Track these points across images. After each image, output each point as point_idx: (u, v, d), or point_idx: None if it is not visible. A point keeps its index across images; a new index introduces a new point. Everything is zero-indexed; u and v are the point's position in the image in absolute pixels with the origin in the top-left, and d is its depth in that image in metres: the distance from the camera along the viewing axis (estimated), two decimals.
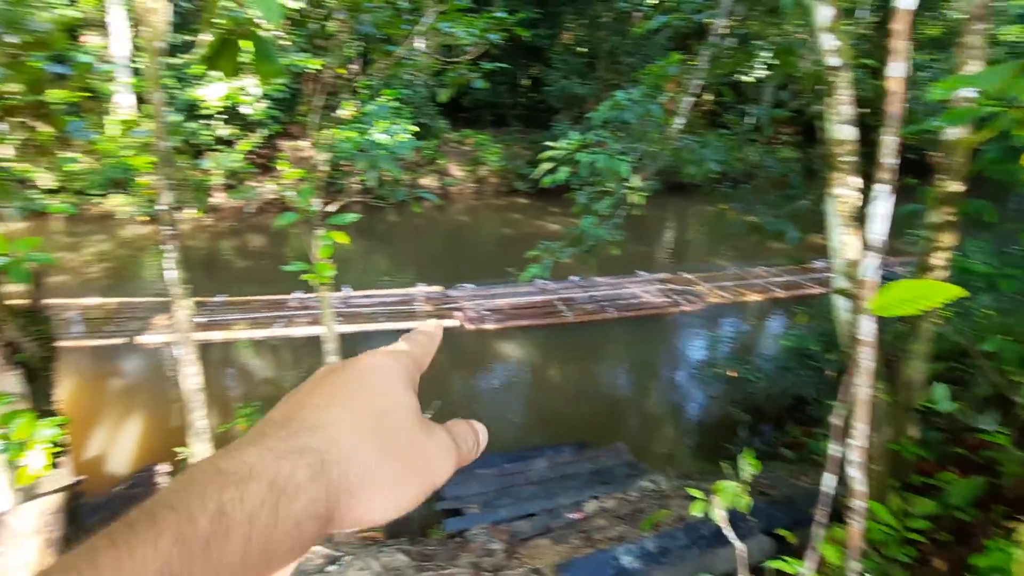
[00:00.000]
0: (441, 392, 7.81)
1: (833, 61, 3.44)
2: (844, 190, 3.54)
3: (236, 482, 0.30)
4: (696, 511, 2.54)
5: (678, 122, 6.13)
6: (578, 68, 20.38)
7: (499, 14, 5.59)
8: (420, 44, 5.57)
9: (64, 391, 6.46)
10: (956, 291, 1.23)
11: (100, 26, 16.40)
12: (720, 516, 2.51)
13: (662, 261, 14.61)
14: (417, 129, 16.83)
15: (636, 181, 5.92)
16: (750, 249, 7.50)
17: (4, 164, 3.87)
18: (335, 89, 5.72)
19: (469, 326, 9.76)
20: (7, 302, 3.41)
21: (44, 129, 4.21)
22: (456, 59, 5.91)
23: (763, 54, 7.48)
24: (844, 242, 3.54)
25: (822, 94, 3.85)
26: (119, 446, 6.90)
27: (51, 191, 14.59)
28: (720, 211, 6.33)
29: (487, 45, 5.60)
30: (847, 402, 2.49)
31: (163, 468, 5.34)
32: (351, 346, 8.85)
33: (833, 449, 1.93)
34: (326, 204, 4.62)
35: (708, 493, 2.79)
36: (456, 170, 19.93)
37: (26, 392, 3.41)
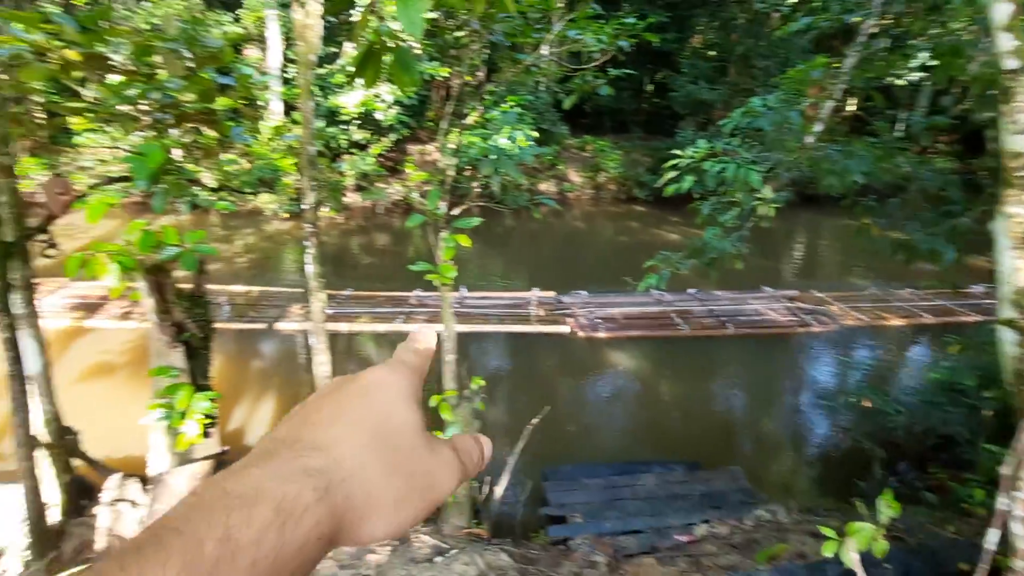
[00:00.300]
0: (549, 398, 7.83)
1: (1011, 63, 3.06)
2: (1018, 208, 3.13)
3: (242, 505, 0.31)
4: (828, 551, 2.34)
5: (817, 129, 5.72)
6: (707, 73, 19.65)
7: (628, 20, 5.52)
8: (545, 51, 5.62)
9: (213, 369, 7.21)
10: None
11: (259, 40, 18.16)
12: (853, 559, 2.30)
13: (790, 277, 13.71)
14: (538, 135, 17.10)
15: (767, 192, 5.60)
16: (893, 269, 6.82)
17: (179, 164, 4.37)
18: (462, 95, 5.92)
19: (581, 333, 9.70)
20: (176, 287, 3.85)
21: (210, 134, 4.71)
22: (583, 66, 5.90)
23: (921, 55, 6.81)
24: (1016, 267, 3.13)
25: (995, 100, 3.43)
26: (255, 422, 7.56)
27: (213, 189, 16.34)
28: (862, 226, 5.81)
29: (615, 51, 5.54)
30: (1018, 450, 2.18)
31: None
32: (463, 346, 9.11)
33: (1001, 502, 1.70)
34: (451, 207, 4.79)
35: (838, 532, 2.57)
36: (575, 176, 19.93)
37: (187, 368, 3.83)
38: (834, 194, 6.06)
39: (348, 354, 9.45)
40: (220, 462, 4.20)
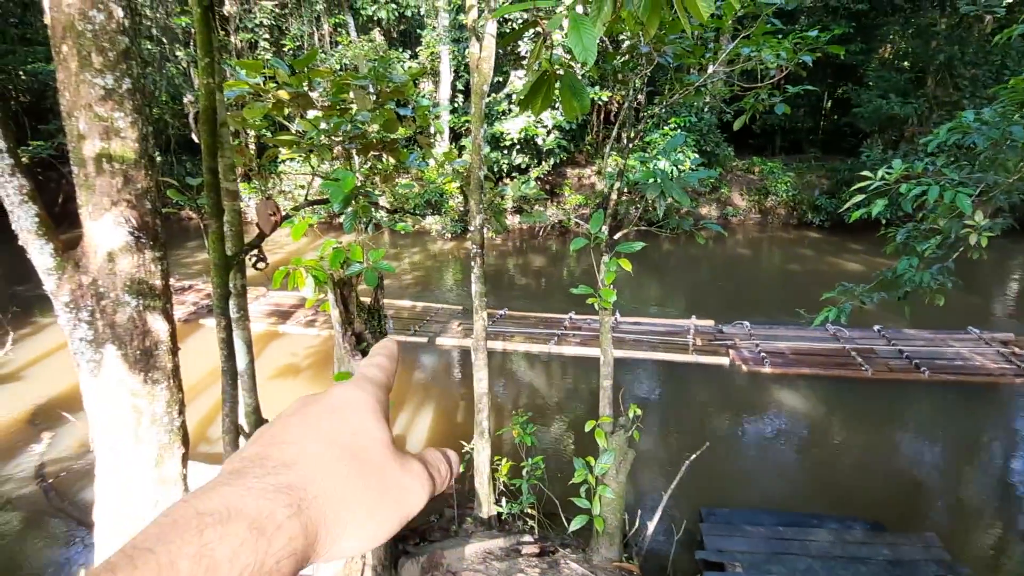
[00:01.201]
0: (706, 433, 7.39)
1: None
2: None
3: (215, 523, 0.31)
4: None
5: None
6: (899, 85, 17.67)
7: (811, 33, 5.12)
8: (715, 69, 5.39)
9: None
10: None
11: (432, 74, 19.69)
12: None
13: (1005, 319, 11.71)
14: (698, 156, 16.51)
15: (979, 218, 4.86)
16: None
17: (366, 189, 4.81)
18: (623, 119, 5.87)
19: (743, 367, 9.07)
20: (359, 300, 4.21)
21: (389, 160, 5.13)
22: (756, 84, 5.58)
23: None
24: None
25: None
26: (414, 431, 8.02)
27: (391, 211, 17.88)
28: None
29: (794, 67, 5.17)
30: None
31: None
32: (616, 371, 8.94)
33: None
34: (611, 231, 4.74)
35: None
36: (739, 199, 18.89)
37: None
38: None
39: (501, 372, 9.71)
40: None
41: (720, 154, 18.09)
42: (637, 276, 14.59)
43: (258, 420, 5.15)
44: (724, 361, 9.22)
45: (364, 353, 4.06)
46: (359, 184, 4.79)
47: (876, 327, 10.00)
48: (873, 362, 8.92)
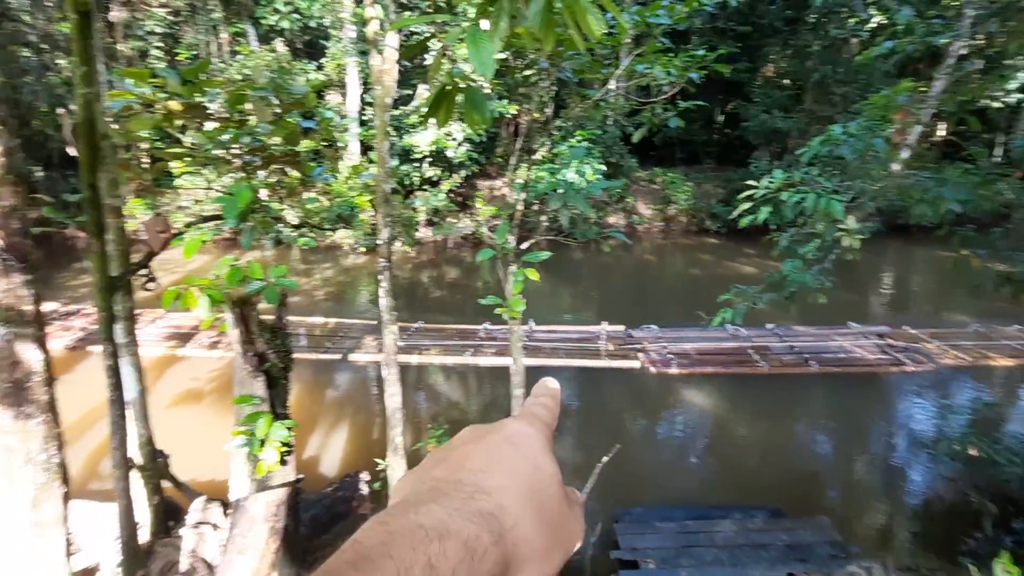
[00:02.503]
0: (619, 436, 7.61)
1: None
2: None
3: (437, 538, 0.32)
4: None
5: (904, 156, 5.41)
6: (781, 101, 19.16)
7: (698, 52, 5.46)
8: (613, 85, 5.63)
9: (290, 398, 7.47)
10: None
11: (339, 86, 19.28)
12: None
13: (880, 313, 12.89)
14: (604, 168, 17.11)
15: (851, 222, 5.33)
16: (1000, 304, 6.29)
17: (265, 203, 4.63)
18: (531, 132, 6.00)
19: (652, 369, 9.43)
20: (259, 319, 4.03)
21: (293, 174, 4.98)
22: (651, 99, 5.87)
23: (1020, 75, 6.37)
24: None
25: None
26: (329, 451, 7.75)
27: (296, 226, 17.26)
28: (960, 258, 5.40)
29: (685, 84, 5.49)
30: None
31: (365, 477, 5.87)
32: (533, 379, 9.03)
33: None
34: (520, 241, 4.82)
35: None
36: (644, 209, 19.73)
37: (267, 397, 3.98)
38: (927, 224, 5.69)
39: (417, 385, 9.58)
40: (296, 489, 4.30)
41: (624, 165, 18.84)
42: (551, 285, 14.88)
43: (152, 452, 4.80)
44: (635, 364, 9.56)
45: (267, 374, 3.90)
46: (261, 198, 4.60)
47: (770, 325, 10.72)
48: (768, 358, 9.55)
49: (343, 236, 17.90)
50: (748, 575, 4.67)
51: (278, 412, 4.01)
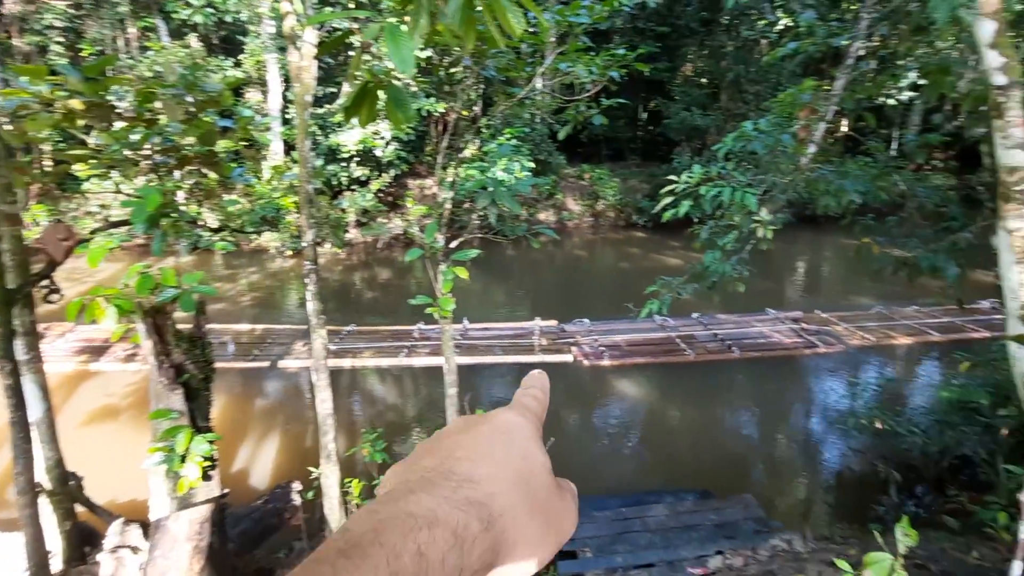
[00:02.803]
0: (555, 429, 7.73)
1: (999, 79, 3.08)
2: (1018, 222, 3.11)
3: (426, 525, 0.32)
4: None
5: (811, 151, 5.76)
6: (699, 99, 19.94)
7: (619, 51, 5.60)
8: (539, 83, 5.69)
9: (214, 409, 7.14)
10: None
11: (260, 83, 18.55)
12: None
13: (794, 299, 13.65)
14: (533, 165, 17.27)
15: (764, 214, 5.61)
16: (898, 287, 6.81)
17: (178, 206, 4.41)
18: (458, 130, 5.99)
19: (585, 362, 9.63)
20: (175, 328, 3.84)
21: (211, 175, 4.76)
22: (575, 97, 5.97)
23: (910, 75, 6.88)
24: (1020, 281, 3.10)
25: (987, 116, 3.45)
26: (258, 462, 7.47)
27: (215, 229, 16.52)
28: (862, 245, 5.80)
29: (606, 82, 5.62)
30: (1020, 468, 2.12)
31: (297, 486, 5.69)
32: (468, 378, 9.04)
33: (1022, 531, 1.64)
34: (449, 240, 4.80)
35: (855, 562, 2.50)
36: (573, 204, 20.06)
37: (186, 410, 3.79)
38: (832, 214, 6.07)
39: (352, 390, 9.38)
40: (221, 505, 4.13)
41: (553, 162, 19.09)
42: (484, 283, 14.91)
43: (62, 475, 4.48)
44: (568, 358, 9.72)
45: (186, 385, 3.71)
46: (176, 201, 4.38)
47: (695, 315, 11.15)
48: (694, 346, 9.94)
49: (269, 239, 17.27)
50: (680, 556, 4.86)
51: (199, 425, 3.83)
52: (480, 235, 5.70)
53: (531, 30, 4.92)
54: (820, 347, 9.97)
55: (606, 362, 9.57)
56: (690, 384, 9.34)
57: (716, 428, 8.32)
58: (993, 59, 3.13)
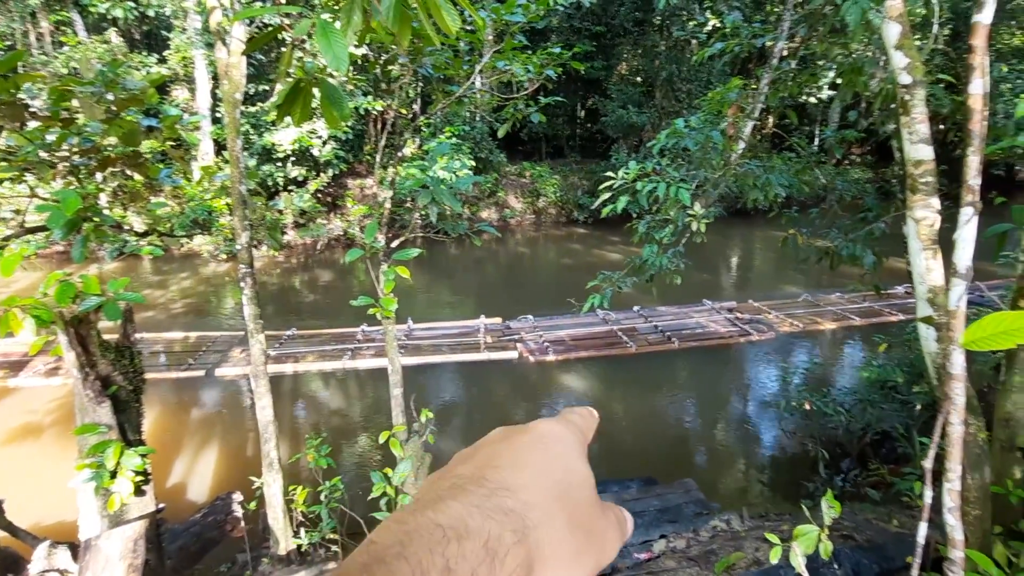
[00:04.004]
0: (501, 424, 7.77)
1: (905, 79, 3.30)
2: (925, 212, 3.35)
3: (455, 538, 0.30)
4: (774, 558, 2.39)
5: (740, 147, 6.00)
6: (635, 98, 20.43)
7: (555, 50, 5.69)
8: (479, 82, 5.72)
9: (147, 421, 6.83)
10: None
11: (188, 81, 17.78)
12: (800, 563, 2.36)
13: (728, 289, 14.19)
14: (474, 163, 17.28)
15: (698, 208, 5.81)
16: (823, 275, 7.20)
17: (101, 210, 4.19)
18: (398, 128, 5.93)
19: (530, 358, 9.72)
20: (101, 338, 3.65)
21: (136, 177, 4.55)
22: (513, 95, 6.02)
23: (828, 74, 7.26)
24: (927, 267, 3.33)
25: (895, 113, 3.69)
26: (197, 475, 7.19)
27: (142, 234, 15.72)
28: (788, 236, 6.09)
29: (543, 80, 5.69)
30: (939, 442, 2.31)
31: (238, 497, 5.52)
32: (415, 378, 8.98)
33: (926, 495, 1.78)
34: (390, 240, 4.76)
35: (786, 536, 2.63)
36: (515, 202, 20.19)
37: (114, 423, 3.62)
38: (761, 207, 6.35)
39: (294, 395, 9.15)
40: (157, 520, 3.96)
41: (494, 160, 19.15)
42: (428, 282, 14.82)
43: None
44: (513, 355, 9.80)
45: (113, 398, 3.54)
46: (100, 205, 4.16)
47: (636, 308, 11.44)
48: (636, 339, 10.20)
49: (201, 243, 16.61)
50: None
51: (129, 439, 3.67)
52: (422, 234, 5.67)
53: (468, 28, 4.94)
54: (753, 335, 10.41)
55: (551, 357, 9.69)
56: (633, 375, 9.58)
57: (658, 417, 8.57)
58: (899, 60, 3.35)
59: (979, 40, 1.78)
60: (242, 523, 5.16)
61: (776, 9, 7.35)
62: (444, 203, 4.46)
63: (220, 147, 17.48)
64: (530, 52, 5.61)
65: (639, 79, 21.84)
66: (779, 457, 7.40)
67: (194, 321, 12.11)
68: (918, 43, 4.69)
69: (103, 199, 4.50)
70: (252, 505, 5.06)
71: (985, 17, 1.78)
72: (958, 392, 2.05)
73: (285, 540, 4.88)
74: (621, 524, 0.41)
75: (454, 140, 17.23)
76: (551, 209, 20.35)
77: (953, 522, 2.23)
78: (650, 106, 20.23)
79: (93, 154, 4.14)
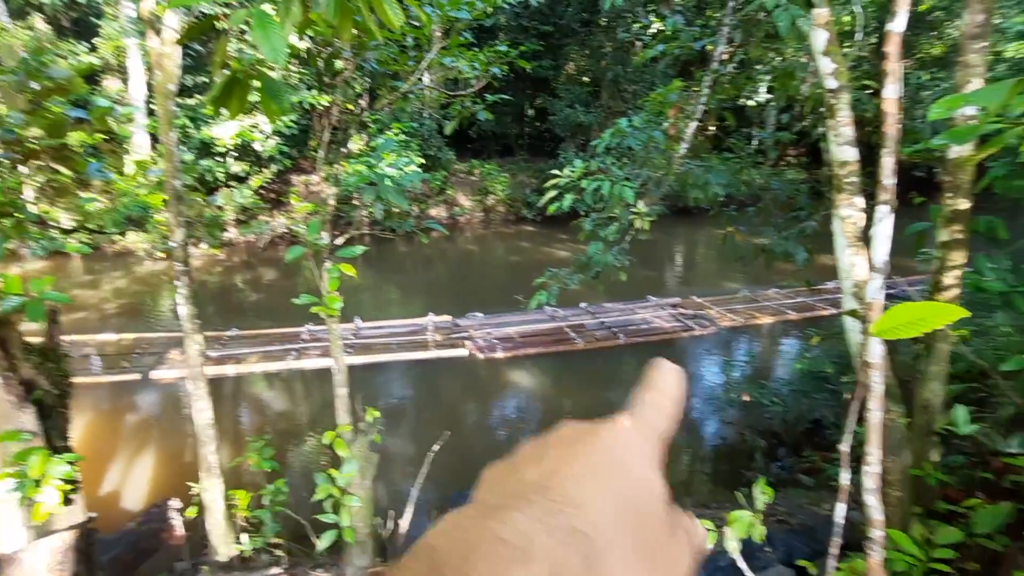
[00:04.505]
0: (452, 423, 7.76)
1: (831, 83, 3.47)
2: (849, 211, 3.53)
3: (521, 558, 0.28)
4: (710, 543, 2.48)
5: (682, 147, 6.18)
6: (582, 97, 20.68)
7: (502, 48, 5.71)
8: (426, 78, 5.68)
9: (78, 427, 6.48)
10: (958, 312, 1.22)
11: (119, 71, 16.94)
12: (733, 548, 2.46)
13: (672, 286, 14.57)
14: (423, 161, 17.13)
15: (641, 206, 5.95)
16: (761, 272, 7.48)
17: (24, 205, 3.97)
18: (344, 124, 5.83)
19: (479, 355, 9.73)
20: (23, 340, 3.46)
21: (64, 171, 4.32)
22: (461, 92, 6.01)
23: (764, 78, 7.54)
24: (852, 263, 3.52)
25: (823, 116, 3.87)
26: (132, 482, 6.89)
27: (70, 230, 14.89)
28: (727, 234, 6.32)
29: (490, 78, 5.71)
30: (862, 427, 2.44)
31: (175, 504, 5.32)
32: (364, 377, 8.85)
33: (843, 477, 1.89)
34: (335, 237, 4.68)
35: (723, 523, 2.74)
36: (464, 200, 20.14)
37: (40, 430, 3.43)
38: (702, 206, 6.55)
39: (237, 397, 8.88)
40: (87, 531, 3.78)
41: (443, 158, 19.04)
42: (377, 281, 14.62)
43: None
44: (462, 352, 9.79)
45: (38, 404, 3.36)
46: (23, 199, 3.93)
47: (583, 304, 11.61)
48: (583, 335, 10.36)
49: (136, 240, 15.88)
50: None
51: (56, 446, 3.49)
52: (368, 231, 5.60)
53: (415, 24, 4.90)
54: (696, 330, 10.73)
55: (500, 354, 9.73)
56: (580, 371, 9.72)
57: (605, 411, 8.61)
58: (826, 65, 3.52)
59: (892, 47, 1.89)
60: (181, 531, 4.98)
61: (716, 14, 7.59)
62: (390, 200, 4.42)
63: (156, 140, 16.72)
64: (477, 49, 5.62)
65: (586, 79, 22.12)
66: (720, 448, 7.66)
67: (129, 322, 11.58)
68: (845, 50, 4.94)
69: (29, 194, 4.25)
70: (191, 512, 4.89)
71: (897, 26, 1.90)
72: (876, 380, 2.17)
73: (226, 546, 4.74)
74: (692, 541, 0.38)
75: (402, 137, 17.04)
76: (500, 207, 20.40)
77: (873, 503, 2.37)
78: (597, 106, 20.53)
79: (15, 147, 3.92)
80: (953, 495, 3.76)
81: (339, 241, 4.64)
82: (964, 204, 3.75)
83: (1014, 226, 4.28)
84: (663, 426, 0.41)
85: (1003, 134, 1.98)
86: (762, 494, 2.68)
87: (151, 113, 16.52)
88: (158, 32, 4.13)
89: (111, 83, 17.16)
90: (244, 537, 4.85)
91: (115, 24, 16.39)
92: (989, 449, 3.76)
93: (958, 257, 3.75)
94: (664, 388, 0.43)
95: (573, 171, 5.73)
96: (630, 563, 0.32)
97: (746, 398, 6.85)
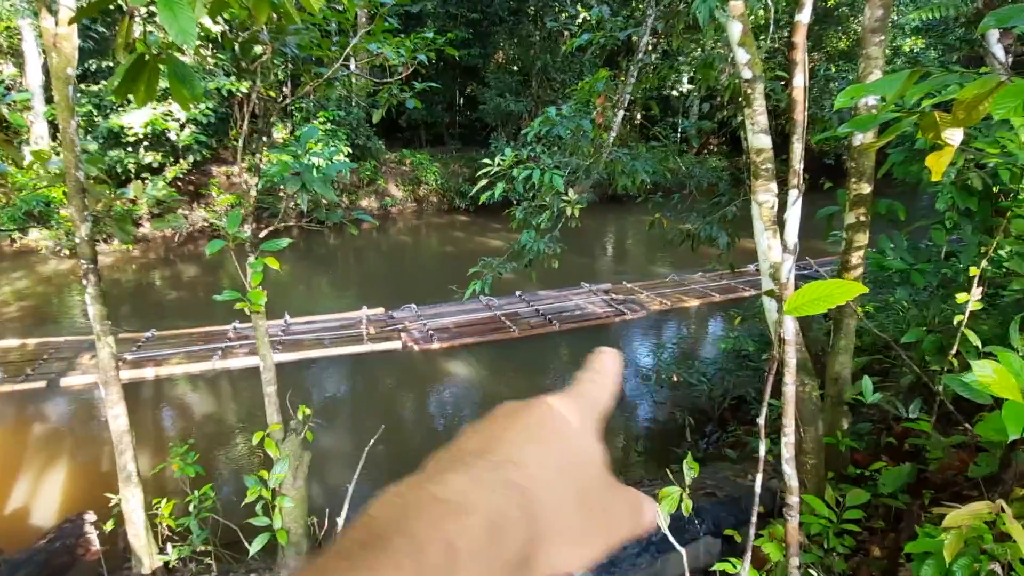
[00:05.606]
0: (389, 417, 7.67)
1: (746, 74, 3.61)
2: (766, 196, 3.69)
3: (456, 512, 0.28)
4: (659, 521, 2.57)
5: (610, 136, 6.30)
6: (512, 86, 20.70)
7: (428, 34, 5.61)
8: (353, 65, 5.52)
9: None
10: (859, 288, 1.30)
11: (12, 54, 15.60)
12: (662, 521, 2.55)
13: (604, 272, 14.88)
14: (350, 150, 16.71)
15: (572, 194, 6.03)
16: (687, 256, 7.75)
17: None
18: (266, 112, 5.59)
19: (414, 347, 9.64)
20: None
21: None
22: (388, 80, 5.88)
23: (686, 68, 7.78)
24: (769, 245, 3.69)
25: (741, 105, 4.03)
26: (42, 497, 6.44)
27: None
28: (654, 220, 6.51)
29: (417, 65, 5.60)
30: (779, 400, 2.58)
31: (91, 517, 5.01)
32: (294, 374, 8.59)
33: (761, 449, 2.00)
34: (259, 230, 4.49)
35: (655, 500, 2.83)
36: (396, 190, 19.80)
37: None
38: (630, 193, 6.70)
39: (158, 401, 8.43)
40: None
41: (372, 147, 18.63)
42: (306, 274, 14.18)
43: None
44: (397, 345, 9.66)
45: None
46: None
47: (518, 292, 11.69)
48: (518, 323, 10.44)
49: (39, 237, 14.75)
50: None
51: None
52: (294, 223, 5.40)
53: (337, 7, 4.75)
54: (628, 314, 11.02)
55: (435, 345, 9.67)
56: (517, 359, 9.79)
57: (543, 396, 8.83)
58: (741, 56, 3.66)
59: (799, 38, 1.99)
60: (96, 545, 4.69)
61: (641, 5, 7.75)
62: (317, 191, 4.28)
63: (57, 129, 15.52)
64: (403, 36, 5.51)
65: (516, 68, 22.15)
66: (652, 427, 7.92)
67: (33, 326, 10.77)
68: (759, 42, 5.15)
69: None
70: (109, 524, 4.62)
71: (804, 17, 1.99)
72: (790, 355, 2.30)
73: (149, 558, 4.50)
74: (636, 508, 0.39)
75: (329, 126, 16.54)
76: (432, 197, 20.19)
77: (789, 471, 2.52)
78: (527, 95, 20.61)
79: None
80: (861, 460, 4.04)
81: (263, 234, 4.46)
82: (867, 188, 4.01)
83: (912, 208, 4.61)
84: (602, 399, 0.42)
85: (900, 122, 2.12)
86: (689, 469, 2.79)
87: (50, 100, 15.31)
88: (52, 11, 3.82)
89: (4, 67, 15.79)
90: (168, 547, 4.63)
91: (6, 3, 15.05)
92: (892, 416, 4.06)
93: (862, 238, 4.00)
94: (601, 367, 0.45)
95: (504, 160, 5.74)
96: (570, 517, 0.33)
97: (676, 378, 7.11)
